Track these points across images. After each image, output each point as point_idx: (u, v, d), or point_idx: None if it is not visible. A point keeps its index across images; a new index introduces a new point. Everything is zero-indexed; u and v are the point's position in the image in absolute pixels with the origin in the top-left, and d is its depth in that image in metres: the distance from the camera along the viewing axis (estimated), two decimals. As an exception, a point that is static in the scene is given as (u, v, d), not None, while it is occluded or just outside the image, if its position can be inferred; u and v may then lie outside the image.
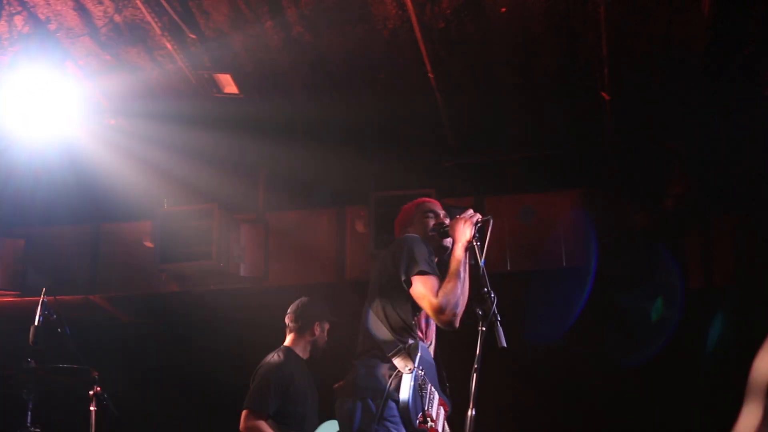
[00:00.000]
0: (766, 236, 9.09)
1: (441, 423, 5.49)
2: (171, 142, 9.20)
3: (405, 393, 5.17)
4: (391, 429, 5.18)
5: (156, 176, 9.53)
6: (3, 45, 7.95)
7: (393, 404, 5.20)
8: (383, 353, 5.34)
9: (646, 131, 9.20)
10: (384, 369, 5.31)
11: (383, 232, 8.97)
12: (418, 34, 7.84)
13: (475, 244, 5.41)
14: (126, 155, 9.23)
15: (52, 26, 7.88)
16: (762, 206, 9.01)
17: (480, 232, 5.47)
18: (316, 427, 7.51)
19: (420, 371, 5.24)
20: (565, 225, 9.45)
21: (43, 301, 7.20)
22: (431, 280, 5.34)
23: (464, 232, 5.45)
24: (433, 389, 5.40)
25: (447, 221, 5.76)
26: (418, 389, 5.21)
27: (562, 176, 9.55)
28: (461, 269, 5.36)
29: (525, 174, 9.63)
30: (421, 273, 5.35)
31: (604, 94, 8.45)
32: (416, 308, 5.45)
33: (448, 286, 5.31)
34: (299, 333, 7.69)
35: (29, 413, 7.09)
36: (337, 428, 7.47)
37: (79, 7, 7.67)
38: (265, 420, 7.19)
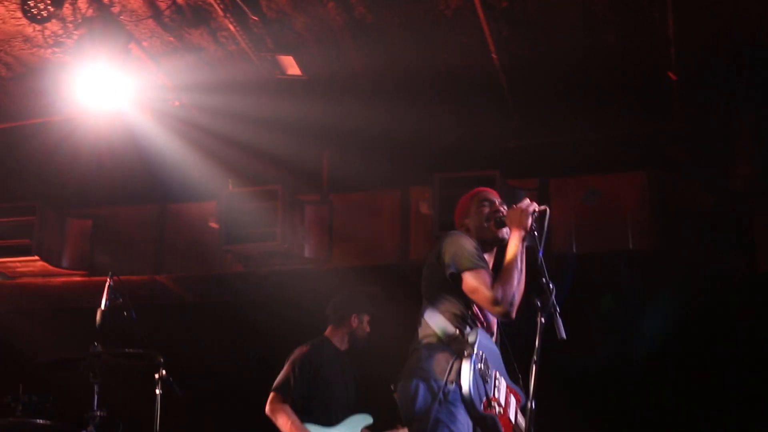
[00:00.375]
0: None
1: (513, 411, 5.42)
2: (235, 123, 9.24)
3: (465, 378, 5.05)
4: (454, 412, 5.09)
5: (221, 157, 9.58)
6: (68, 28, 8.01)
7: (456, 388, 5.09)
8: (442, 341, 5.28)
9: (714, 111, 9.04)
10: (445, 354, 5.21)
11: (447, 213, 8.87)
12: (481, 14, 7.76)
13: (533, 233, 5.32)
14: (191, 136, 9.31)
15: (116, 9, 7.91)
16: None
17: (538, 221, 5.36)
18: (346, 417, 7.63)
19: (480, 355, 5.14)
20: (631, 206, 9.36)
21: (108, 285, 7.27)
22: (482, 273, 5.27)
23: (521, 221, 5.35)
24: (498, 375, 5.33)
25: (503, 210, 5.66)
26: (480, 374, 5.11)
27: (628, 157, 9.43)
28: (518, 259, 5.30)
29: (590, 155, 9.52)
30: (470, 268, 5.27)
31: (670, 74, 8.33)
32: (471, 301, 5.37)
33: (504, 276, 5.24)
34: (337, 324, 7.95)
35: (96, 397, 7.18)
36: (369, 422, 7.59)
37: (142, -11, 7.72)
38: (289, 404, 7.36)
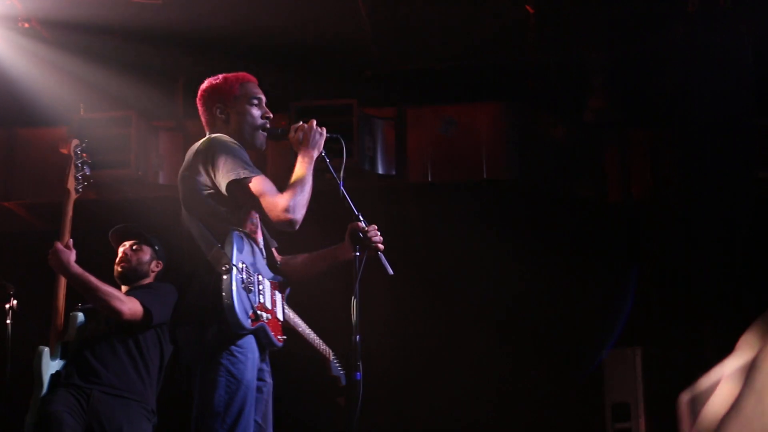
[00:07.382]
0: (685, 150, 9.14)
1: (279, 308, 4.93)
2: (88, 47, 9.03)
3: (227, 298, 4.48)
4: (238, 355, 4.58)
5: (72, 81, 9.33)
6: None
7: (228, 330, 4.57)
8: (204, 259, 4.66)
9: (569, 45, 9.17)
10: (209, 280, 4.62)
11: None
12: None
13: (326, 160, 4.89)
14: (41, 59, 9.03)
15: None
16: (680, 120, 9.06)
17: (328, 149, 4.89)
18: None
19: (240, 266, 4.60)
20: (487, 137, 9.44)
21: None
22: (266, 180, 4.67)
23: (317, 143, 4.81)
24: (261, 278, 4.79)
25: (271, 115, 5.05)
26: (243, 286, 4.58)
27: (485, 88, 9.52)
28: (309, 176, 4.72)
29: (448, 85, 9.59)
30: (254, 174, 4.63)
31: (528, 7, 8.40)
32: (238, 210, 4.79)
33: (296, 186, 4.65)
34: None
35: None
36: None
37: None
38: None
